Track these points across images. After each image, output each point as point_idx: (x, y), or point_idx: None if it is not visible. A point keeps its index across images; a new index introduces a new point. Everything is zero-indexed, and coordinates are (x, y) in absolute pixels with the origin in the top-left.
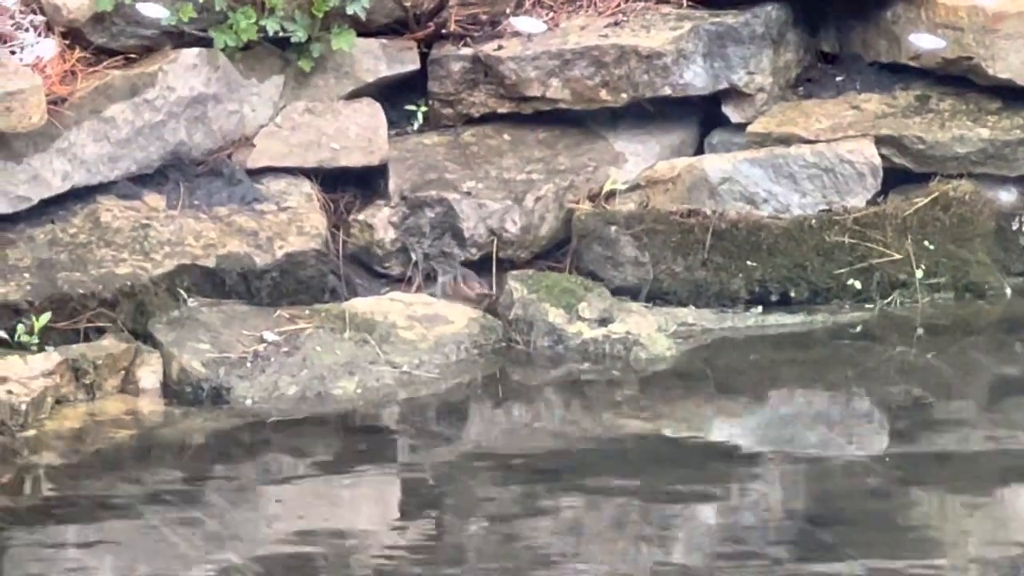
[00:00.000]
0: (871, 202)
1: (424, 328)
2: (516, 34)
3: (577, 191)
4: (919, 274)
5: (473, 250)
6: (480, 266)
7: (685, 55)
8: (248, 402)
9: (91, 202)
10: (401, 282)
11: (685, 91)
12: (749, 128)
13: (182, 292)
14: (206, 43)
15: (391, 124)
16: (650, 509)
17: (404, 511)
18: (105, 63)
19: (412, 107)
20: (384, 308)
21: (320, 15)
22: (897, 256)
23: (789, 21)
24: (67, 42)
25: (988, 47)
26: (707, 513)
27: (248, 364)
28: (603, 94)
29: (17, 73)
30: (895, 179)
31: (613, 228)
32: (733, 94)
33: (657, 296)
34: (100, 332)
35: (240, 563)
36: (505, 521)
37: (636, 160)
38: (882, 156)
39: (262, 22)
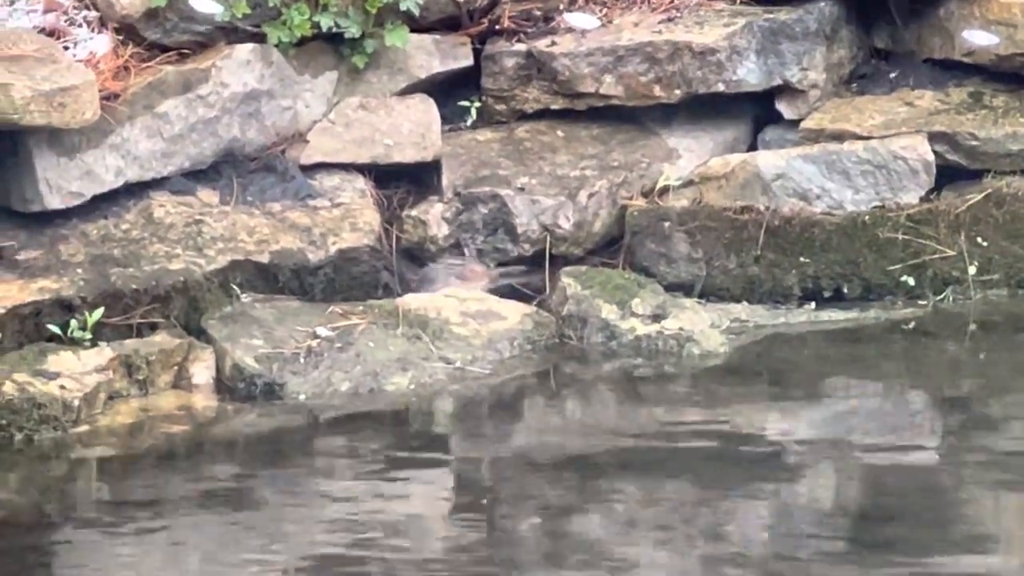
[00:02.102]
0: (924, 199)
1: (477, 324)
2: (569, 30)
3: (630, 187)
4: (972, 270)
5: (526, 246)
6: (533, 262)
7: (738, 51)
8: (301, 398)
9: (144, 198)
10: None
11: (738, 87)
12: (802, 124)
13: (235, 288)
14: (260, 39)
15: (444, 120)
16: (703, 504)
17: (457, 507)
18: (158, 59)
19: (465, 103)
20: (437, 304)
21: (374, 11)
22: (950, 252)
23: (842, 18)
24: (120, 38)
25: None
26: (760, 509)
27: (301, 360)
28: (656, 90)
29: (70, 69)
30: (948, 176)
31: (666, 224)
32: (786, 90)
33: (710, 292)
34: (153, 328)
35: (292, 559)
36: (558, 516)
37: (689, 156)
38: (935, 153)
39: (316, 18)
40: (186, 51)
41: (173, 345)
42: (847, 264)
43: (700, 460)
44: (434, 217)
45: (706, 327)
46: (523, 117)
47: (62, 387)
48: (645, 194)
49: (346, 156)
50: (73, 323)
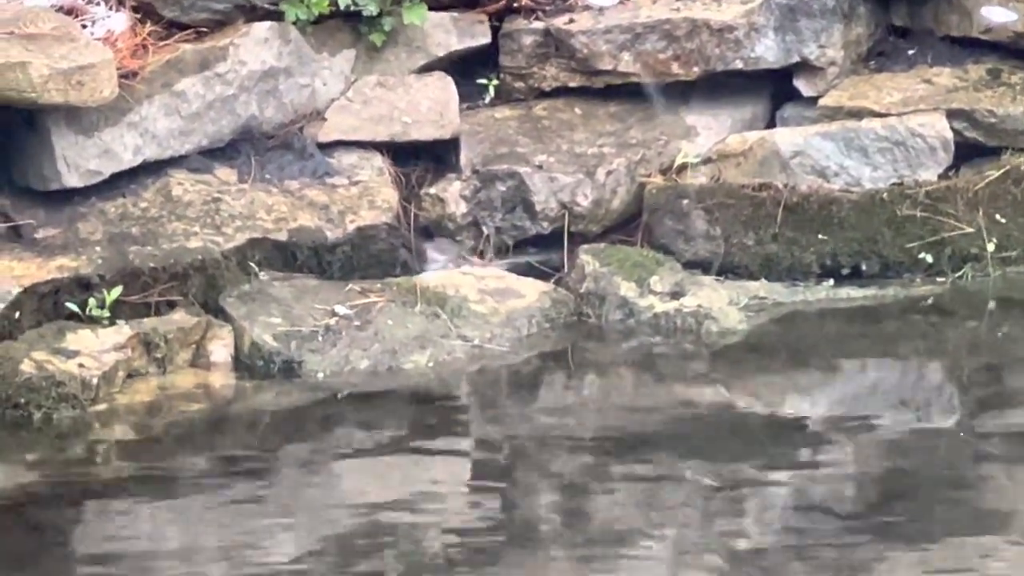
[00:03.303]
0: (943, 176)
1: (495, 302)
2: (587, 8)
3: (649, 165)
4: (991, 247)
5: (544, 224)
6: (551, 240)
7: (757, 28)
8: (319, 376)
9: (162, 176)
10: (473, 255)
11: (757, 64)
12: (820, 102)
13: (253, 266)
14: (277, 17)
15: (462, 98)
16: (722, 482)
17: (475, 485)
18: (176, 37)
19: (483, 81)
20: (456, 282)
21: None
22: (969, 229)
23: None
24: (138, 16)
25: None
26: (778, 486)
27: (320, 338)
28: (675, 68)
29: (88, 47)
30: (967, 153)
31: (685, 202)
32: (805, 68)
33: (728, 270)
34: (171, 306)
35: (311, 536)
36: (576, 495)
37: (708, 134)
38: (953, 130)
39: None
40: (204, 29)
41: (191, 323)
42: (865, 241)
43: (718, 437)
44: (452, 195)
45: (724, 304)
46: (541, 95)
47: (80, 365)
48: (663, 171)
49: (364, 134)
50: (91, 301)
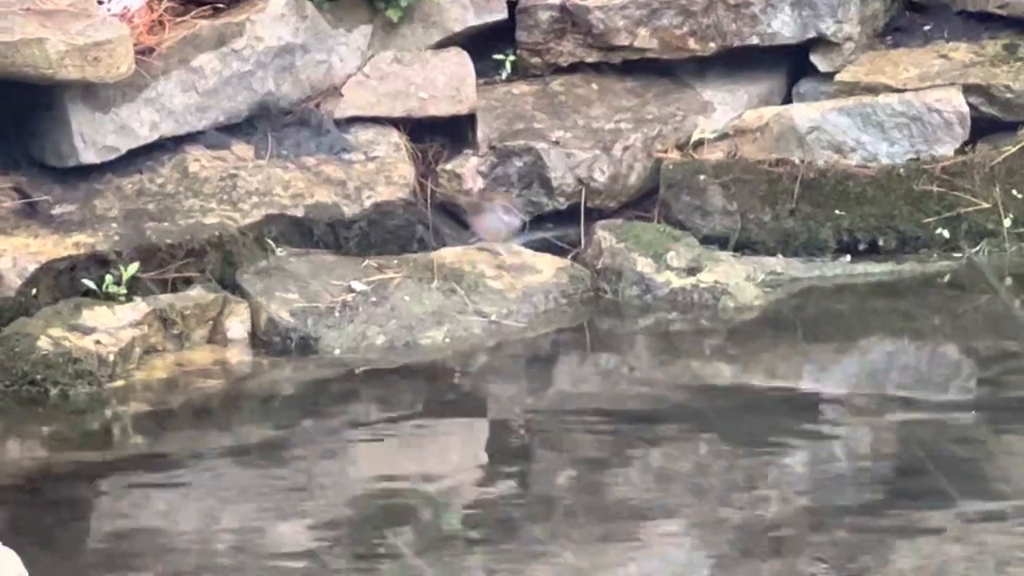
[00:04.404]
0: (959, 151)
1: (512, 278)
2: None
3: (665, 140)
4: (1007, 223)
5: (561, 199)
6: (568, 216)
7: (773, 4)
8: (336, 352)
9: (179, 152)
10: None
11: (773, 40)
12: (837, 77)
13: (270, 242)
14: None
15: (479, 74)
16: (738, 457)
17: (493, 460)
18: (193, 13)
19: (500, 57)
20: (472, 258)
21: None
22: (985, 205)
23: None
24: None
25: None
26: (796, 461)
27: (336, 314)
28: (691, 43)
29: (105, 23)
30: (983, 128)
31: (701, 177)
32: (821, 43)
33: (745, 245)
34: (188, 282)
35: (327, 512)
36: (593, 469)
37: (724, 109)
38: (970, 105)
39: None
40: (220, 5)
41: (208, 300)
42: (882, 217)
43: (735, 413)
44: (469, 171)
45: (741, 280)
46: (558, 70)
47: (97, 342)
48: (680, 147)
49: (381, 110)
50: (108, 278)
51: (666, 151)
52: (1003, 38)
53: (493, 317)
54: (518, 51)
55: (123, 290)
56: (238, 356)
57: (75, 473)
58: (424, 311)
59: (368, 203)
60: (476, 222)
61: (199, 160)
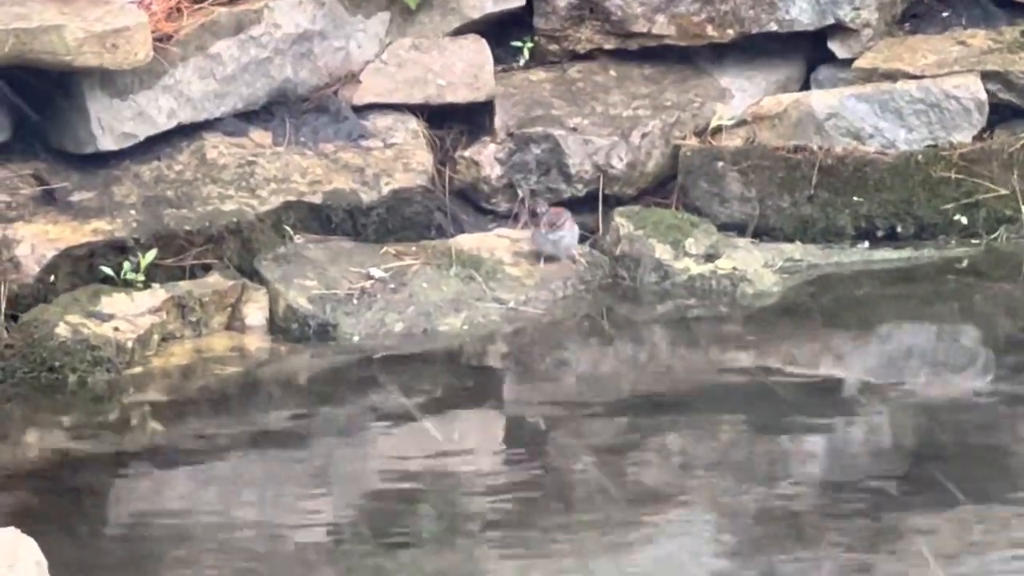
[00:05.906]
0: (977, 138)
1: (530, 264)
2: None
3: (683, 127)
4: None
5: (579, 186)
6: (586, 202)
7: None
8: (355, 339)
9: (197, 139)
10: (507, 218)
11: (791, 27)
12: (855, 64)
13: (288, 229)
14: None
15: (497, 60)
16: (756, 444)
17: (511, 445)
18: (211, 0)
19: (518, 43)
20: (490, 244)
21: None
22: (1003, 191)
23: None
24: None
25: None
26: (813, 448)
27: (354, 301)
28: (709, 30)
29: (123, 10)
30: (1001, 114)
31: (719, 164)
32: (839, 30)
33: (763, 232)
34: (206, 269)
35: (346, 498)
36: (611, 456)
37: (742, 96)
38: (988, 92)
39: None
40: None
41: (226, 286)
42: (900, 203)
43: (754, 399)
44: (487, 158)
45: (759, 267)
46: (576, 57)
47: (116, 329)
48: (698, 134)
49: (399, 96)
50: (126, 265)
51: (684, 138)
52: (1021, 24)
53: (511, 304)
54: (536, 38)
55: (141, 277)
56: (256, 343)
57: (93, 459)
58: (442, 298)
59: (386, 190)
60: (551, 240)
61: (217, 147)
